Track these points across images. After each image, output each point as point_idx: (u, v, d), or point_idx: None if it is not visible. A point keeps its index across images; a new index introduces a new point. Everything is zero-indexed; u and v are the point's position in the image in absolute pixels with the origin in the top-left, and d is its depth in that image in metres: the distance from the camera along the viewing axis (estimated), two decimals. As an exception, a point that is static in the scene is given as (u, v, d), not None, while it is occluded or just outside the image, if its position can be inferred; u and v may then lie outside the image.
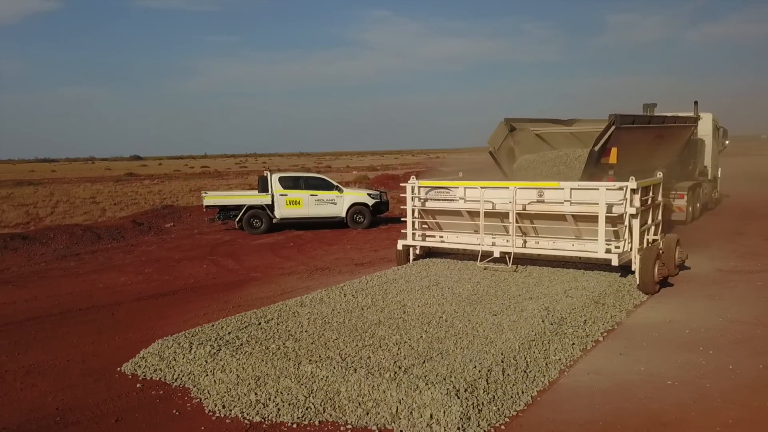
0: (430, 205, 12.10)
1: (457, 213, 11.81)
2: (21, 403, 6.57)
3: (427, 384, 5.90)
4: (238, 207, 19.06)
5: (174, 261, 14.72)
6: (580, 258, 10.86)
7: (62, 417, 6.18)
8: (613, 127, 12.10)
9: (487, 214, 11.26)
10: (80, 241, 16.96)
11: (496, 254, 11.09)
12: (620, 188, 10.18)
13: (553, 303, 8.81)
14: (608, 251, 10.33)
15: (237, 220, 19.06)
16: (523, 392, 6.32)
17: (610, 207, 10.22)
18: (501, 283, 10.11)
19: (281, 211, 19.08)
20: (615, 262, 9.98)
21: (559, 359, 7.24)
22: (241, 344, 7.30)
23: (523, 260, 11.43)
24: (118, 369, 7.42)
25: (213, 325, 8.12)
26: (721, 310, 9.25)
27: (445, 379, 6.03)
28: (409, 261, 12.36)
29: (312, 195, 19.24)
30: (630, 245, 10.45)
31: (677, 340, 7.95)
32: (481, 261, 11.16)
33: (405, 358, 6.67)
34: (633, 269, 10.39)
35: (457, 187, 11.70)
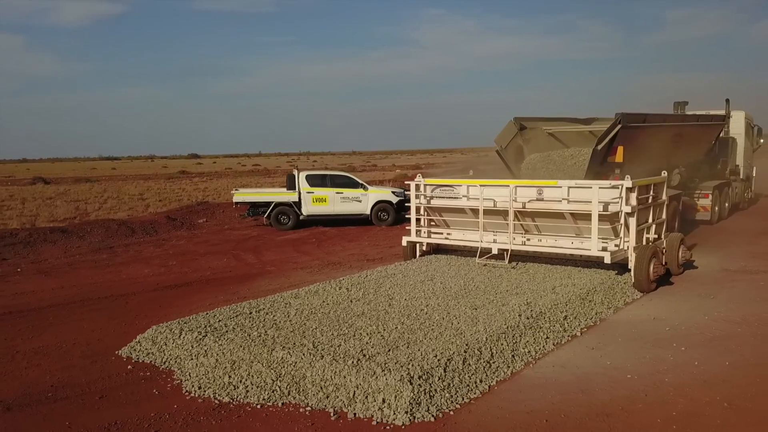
0: (435, 202, 12.39)
1: (461, 210, 12.07)
2: (22, 380, 7.18)
3: (383, 371, 6.25)
4: (267, 204, 19.69)
5: (198, 255, 15.39)
6: (581, 256, 10.99)
7: (54, 393, 6.76)
8: (618, 126, 12.15)
9: (490, 212, 11.50)
10: (115, 235, 17.84)
11: (494, 251, 11.32)
12: (614, 187, 10.30)
13: (537, 298, 9.02)
14: (604, 249, 10.47)
15: (265, 216, 19.70)
16: (481, 381, 6.61)
17: (606, 205, 10.34)
18: (494, 279, 10.35)
19: (308, 208, 19.63)
20: (608, 260, 10.10)
21: (528, 352, 7.48)
22: (227, 331, 7.77)
23: (525, 257, 11.63)
24: (116, 352, 7.99)
25: (207, 314, 8.63)
26: (709, 309, 9.31)
27: (402, 366, 6.37)
28: (415, 257, 12.69)
29: (338, 193, 19.73)
30: (626, 243, 10.54)
31: (653, 337, 8.09)
32: (480, 257, 11.41)
33: (372, 347, 7.02)
34: (630, 267, 10.50)
35: (460, 185, 11.97)
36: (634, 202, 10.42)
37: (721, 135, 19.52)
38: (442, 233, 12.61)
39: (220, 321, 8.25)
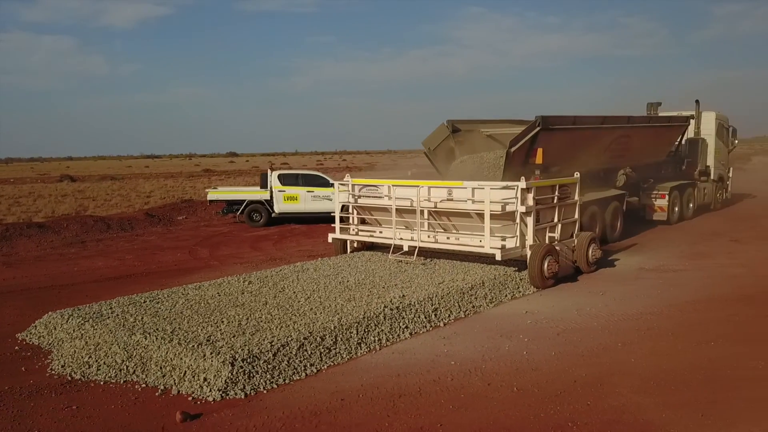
0: (361, 201, 13.01)
1: (386, 209, 12.64)
2: None
3: (212, 353, 6.92)
4: (241, 202, 20.52)
5: (160, 249, 16.27)
6: (478, 253, 11.46)
7: (-62, 368, 7.59)
8: (537, 129, 12.61)
9: (408, 211, 12.05)
10: (90, 230, 18.85)
11: (405, 248, 11.88)
12: (508, 187, 10.79)
13: (417, 291, 9.56)
14: (503, 247, 10.96)
15: (239, 213, 20.53)
16: (311, 365, 7.23)
17: (504, 205, 10.82)
18: (394, 274, 10.91)
19: (279, 206, 20.39)
20: (498, 257, 10.59)
21: (378, 340, 8.07)
22: (107, 318, 8.51)
23: (440, 254, 12.16)
24: (16, 335, 8.81)
25: (107, 302, 9.39)
26: (586, 305, 9.74)
27: (232, 349, 7.02)
28: (346, 252, 13.32)
29: (308, 191, 20.44)
30: (523, 241, 11.00)
31: (508, 329, 8.59)
32: (392, 254, 11.99)
33: (222, 333, 7.66)
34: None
35: (383, 185, 12.55)
36: (530, 202, 10.88)
37: (687, 136, 19.71)
38: (366, 230, 13.20)
39: (111, 308, 8.99)
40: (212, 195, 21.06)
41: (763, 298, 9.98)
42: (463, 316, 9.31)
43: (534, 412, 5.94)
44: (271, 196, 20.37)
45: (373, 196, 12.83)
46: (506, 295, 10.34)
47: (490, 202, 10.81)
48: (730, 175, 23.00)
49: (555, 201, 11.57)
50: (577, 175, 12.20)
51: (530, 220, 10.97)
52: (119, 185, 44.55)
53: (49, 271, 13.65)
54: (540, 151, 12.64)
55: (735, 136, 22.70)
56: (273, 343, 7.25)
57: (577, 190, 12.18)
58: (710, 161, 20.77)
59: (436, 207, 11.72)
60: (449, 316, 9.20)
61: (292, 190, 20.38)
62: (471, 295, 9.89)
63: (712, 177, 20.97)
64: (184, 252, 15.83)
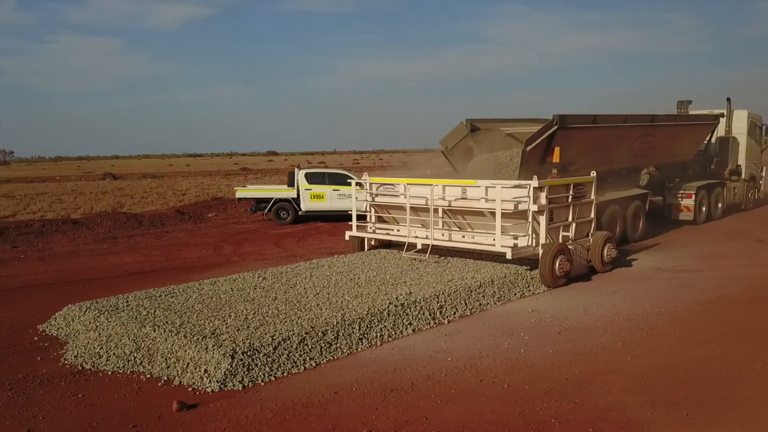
0: (378, 199, 13.18)
1: (402, 207, 12.76)
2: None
3: (214, 346, 7.17)
4: (269, 200, 20.88)
5: (186, 246, 16.69)
6: (494, 252, 11.53)
7: (-39, 356, 8.01)
8: (555, 128, 12.61)
9: (423, 209, 12.17)
10: (122, 227, 19.42)
11: (419, 246, 12.02)
12: (520, 186, 10.84)
13: (424, 289, 9.69)
14: (515, 245, 11.03)
15: (266, 211, 20.90)
16: (311, 359, 7.44)
17: (517, 204, 10.89)
18: (408, 271, 11.05)
19: (306, 204, 20.70)
20: (509, 256, 10.65)
21: (380, 335, 8.24)
22: (122, 311, 8.84)
23: (455, 253, 12.26)
24: (37, 327, 9.21)
25: (124, 296, 9.75)
26: (594, 304, 9.75)
27: (234, 342, 7.26)
28: (363, 250, 13.51)
29: (334, 190, 20.69)
30: (535, 240, 11.04)
31: (510, 327, 8.67)
32: (406, 252, 12.13)
33: (228, 327, 7.90)
34: (543, 263, 10.99)
35: (399, 184, 12.70)
36: (543, 201, 10.92)
37: (718, 134, 19.42)
38: (383, 228, 13.37)
39: (127, 302, 9.34)
40: (240, 193, 21.49)
41: (776, 299, 9.85)
42: (468, 313, 9.40)
43: (520, 408, 6.03)
44: (298, 195, 20.69)
45: (389, 195, 12.98)
46: (515, 294, 10.40)
47: (502, 200, 10.87)
48: (763, 174, 22.53)
49: (569, 200, 11.56)
50: (593, 174, 12.16)
51: (543, 219, 11.00)
52: (157, 183, 45.54)
53: (79, 266, 14.14)
54: (557, 149, 12.63)
55: (768, 134, 22.24)
56: (274, 337, 7.46)
57: (593, 189, 12.15)
58: (741, 160, 20.39)
59: (450, 206, 11.83)
60: (455, 313, 9.31)
61: (318, 189, 20.66)
62: (479, 293, 9.98)
63: (743, 176, 20.59)
64: (209, 248, 16.21)
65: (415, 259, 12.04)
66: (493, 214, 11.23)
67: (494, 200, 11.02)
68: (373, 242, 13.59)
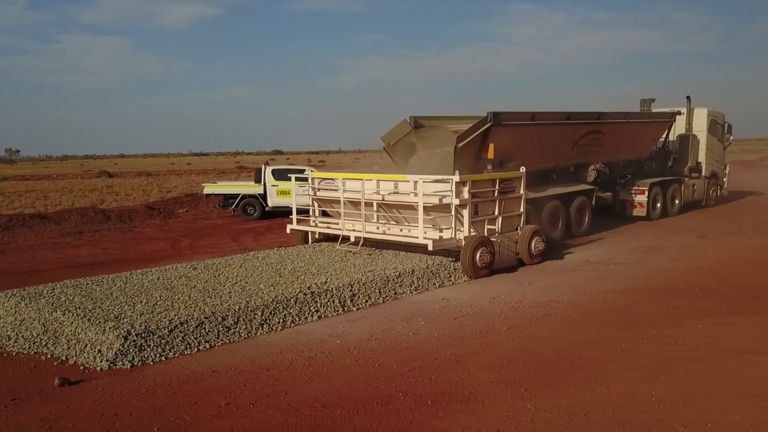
0: (320, 194, 13.57)
1: (347, 201, 13.07)
2: None
3: (111, 329, 7.58)
4: (236, 196, 21.31)
5: (147, 240, 17.13)
6: (418, 244, 11.88)
7: None
8: (489, 124, 12.95)
9: (365, 203, 12.49)
10: (90, 221, 19.88)
11: (352, 238, 12.40)
12: (442, 181, 11.20)
13: (341, 278, 10.06)
14: (440, 237, 11.41)
15: (233, 207, 21.32)
16: (206, 341, 7.83)
17: (442, 198, 11.26)
18: (336, 263, 11.42)
19: (273, 200, 21.11)
20: (430, 247, 11.02)
21: (282, 322, 8.62)
22: (43, 297, 9.25)
23: (389, 246, 12.61)
24: (-33, 312, 9.62)
25: (52, 284, 10.16)
26: (504, 294, 10.11)
27: (130, 325, 7.66)
28: (308, 243, 13.90)
29: (301, 186, 21.02)
30: (458, 233, 11.39)
31: (412, 313, 9.04)
32: (340, 244, 12.52)
33: (132, 312, 8.27)
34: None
35: (338, 179, 13.08)
36: (466, 195, 11.28)
37: (677, 133, 19.73)
38: (325, 222, 13.75)
39: (53, 290, 9.73)
40: (208, 189, 21.91)
41: (679, 289, 10.17)
42: (381, 302, 9.78)
43: (377, 384, 6.42)
44: (265, 191, 21.08)
45: (329, 189, 13.37)
46: (435, 284, 10.77)
47: (424, 194, 11.25)
48: (727, 171, 22.77)
49: (496, 194, 11.91)
50: (522, 169, 12.51)
51: (466, 213, 11.35)
52: (148, 181, 46.07)
53: (35, 258, 14.59)
54: (492, 146, 12.94)
55: (730, 133, 22.47)
56: (172, 321, 7.86)
57: (522, 185, 12.49)
58: (702, 158, 20.64)
59: (384, 200, 12.19)
60: (366, 301, 9.68)
61: (285, 185, 21.03)
62: (396, 282, 10.34)
63: (703, 173, 20.84)
64: (169, 243, 16.63)
65: (349, 251, 12.41)
66: (425, 206, 11.59)
67: (424, 195, 11.37)
68: (317, 236, 13.96)
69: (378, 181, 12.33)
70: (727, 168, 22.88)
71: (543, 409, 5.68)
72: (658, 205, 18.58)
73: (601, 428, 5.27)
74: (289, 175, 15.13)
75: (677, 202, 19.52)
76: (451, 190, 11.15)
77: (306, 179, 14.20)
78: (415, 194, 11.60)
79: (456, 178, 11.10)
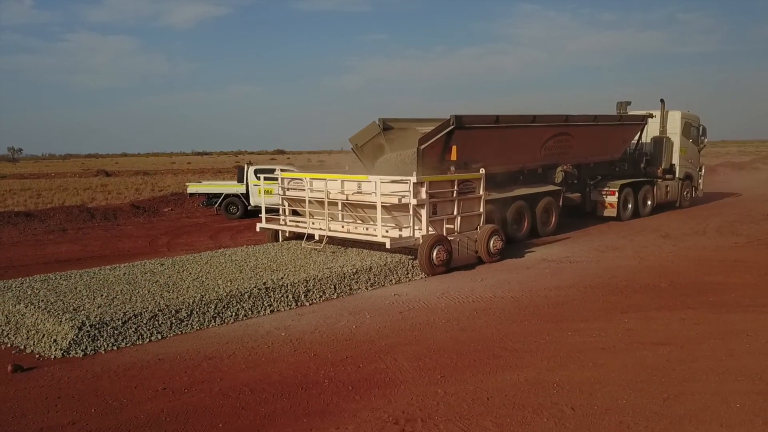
0: (289, 193, 14.04)
1: (313, 200, 13.51)
2: None
3: (67, 320, 8.04)
4: (219, 195, 21.77)
5: (127, 238, 17.60)
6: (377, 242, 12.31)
7: None
8: (451, 127, 13.39)
9: (330, 203, 12.93)
10: (74, 219, 20.36)
11: (316, 237, 12.87)
12: (399, 181, 11.66)
13: (297, 274, 10.52)
14: (400, 236, 11.87)
15: (216, 206, 21.79)
16: (159, 333, 8.29)
17: (401, 198, 11.71)
18: (298, 260, 11.87)
19: (255, 200, 21.54)
20: (388, 245, 11.48)
21: (235, 315, 9.07)
22: (10, 291, 9.73)
23: (354, 244, 13.06)
24: (-60, 306, 10.09)
25: (22, 279, 10.64)
26: (454, 290, 10.55)
27: (86, 316, 8.12)
28: (278, 241, 14.36)
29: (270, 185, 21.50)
30: (417, 231, 11.84)
31: (361, 308, 9.49)
32: (305, 242, 12.98)
33: (91, 304, 8.74)
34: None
35: (305, 178, 13.54)
36: (423, 195, 11.73)
37: (650, 135, 20.15)
38: (294, 221, 14.21)
39: (22, 284, 10.21)
40: (192, 188, 22.38)
41: (620, 286, 10.61)
42: (335, 297, 10.23)
43: (307, 372, 6.87)
44: (248, 190, 21.54)
45: (297, 189, 13.82)
46: (391, 280, 11.22)
47: (382, 194, 11.71)
48: (702, 173, 23.18)
49: (455, 195, 12.35)
50: (482, 171, 12.94)
51: (424, 212, 11.80)
52: (144, 180, 46.60)
53: (14, 255, 15.06)
54: (455, 148, 13.40)
55: (705, 135, 22.88)
56: (126, 313, 8.32)
57: (482, 186, 12.92)
58: (675, 159, 21.05)
59: (348, 199, 12.64)
60: (320, 297, 10.14)
61: (266, 185, 21.44)
62: (352, 279, 10.79)
63: (677, 175, 21.25)
64: (147, 240, 17.10)
65: (314, 249, 12.86)
66: (384, 207, 12.04)
67: (385, 194, 11.82)
68: (287, 234, 14.40)
69: (342, 181, 12.78)
70: (703, 170, 23.30)
71: (451, 393, 6.14)
72: (629, 206, 19.01)
73: (498, 410, 5.72)
74: (258, 175, 15.53)
75: (650, 203, 19.94)
76: (409, 191, 11.59)
77: (276, 179, 14.61)
78: (375, 194, 12.05)
79: (413, 179, 11.54)
